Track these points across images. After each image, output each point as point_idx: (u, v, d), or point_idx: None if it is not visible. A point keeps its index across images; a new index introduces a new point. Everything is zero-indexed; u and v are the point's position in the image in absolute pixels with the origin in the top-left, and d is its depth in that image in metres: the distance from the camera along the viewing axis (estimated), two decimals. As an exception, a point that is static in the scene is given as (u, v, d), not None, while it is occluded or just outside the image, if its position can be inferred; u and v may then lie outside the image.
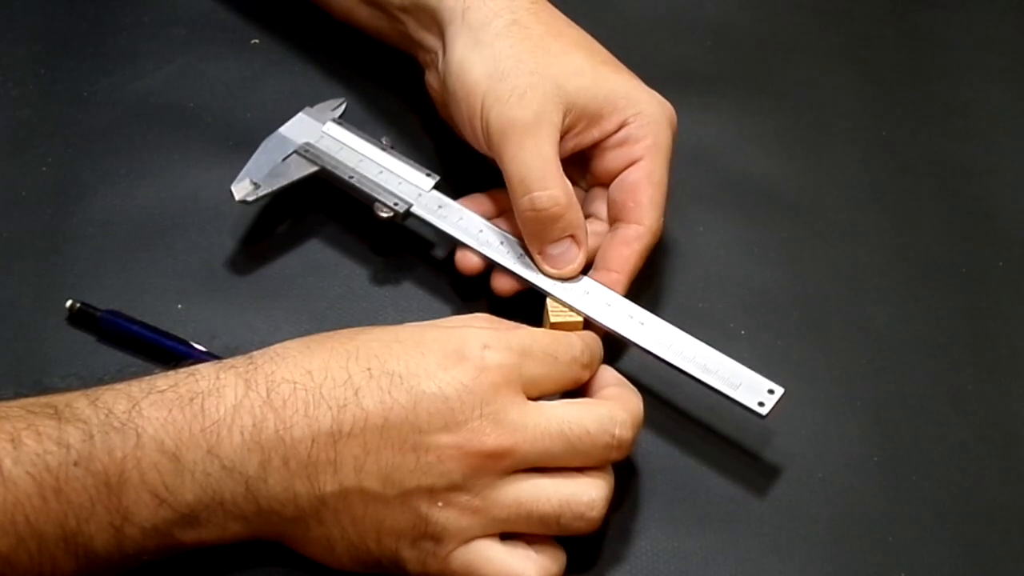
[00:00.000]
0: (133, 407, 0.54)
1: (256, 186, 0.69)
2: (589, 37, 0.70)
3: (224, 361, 0.58)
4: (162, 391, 0.55)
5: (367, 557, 0.58)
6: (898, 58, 0.83)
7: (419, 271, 0.70)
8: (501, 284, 0.67)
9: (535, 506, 0.57)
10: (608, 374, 0.63)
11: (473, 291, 0.69)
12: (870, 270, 0.73)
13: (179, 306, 0.69)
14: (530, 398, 0.58)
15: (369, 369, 0.56)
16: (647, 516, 0.63)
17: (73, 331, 0.67)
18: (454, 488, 0.56)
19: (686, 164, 0.73)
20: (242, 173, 0.69)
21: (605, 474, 0.59)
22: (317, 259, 0.71)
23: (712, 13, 0.84)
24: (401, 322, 0.68)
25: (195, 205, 0.72)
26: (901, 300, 0.72)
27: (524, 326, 0.62)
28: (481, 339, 0.58)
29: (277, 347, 0.58)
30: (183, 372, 0.57)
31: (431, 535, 0.57)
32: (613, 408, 0.59)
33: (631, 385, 0.62)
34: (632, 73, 0.70)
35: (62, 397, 0.55)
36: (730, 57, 0.82)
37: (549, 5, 0.71)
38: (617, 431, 0.59)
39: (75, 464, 0.53)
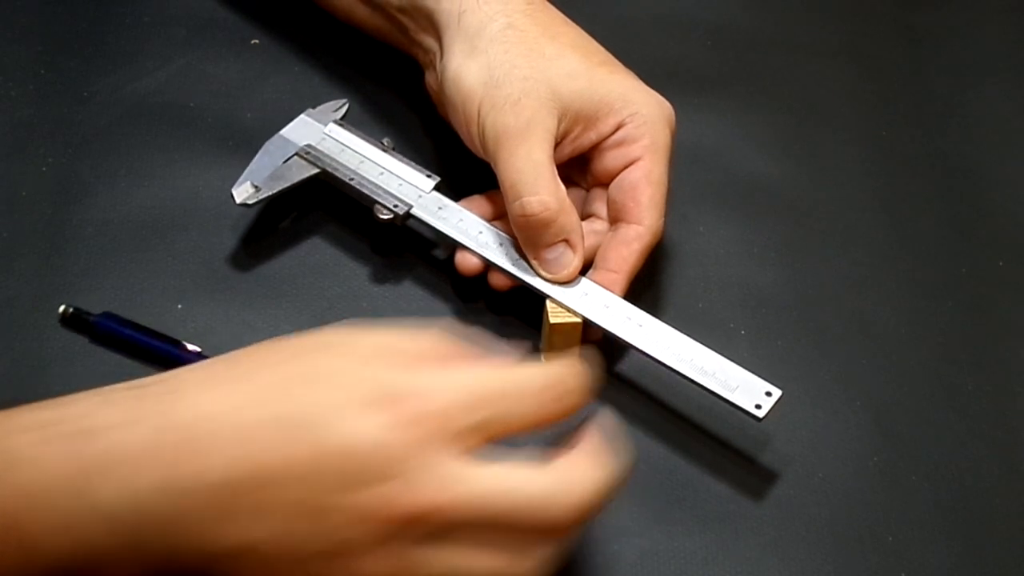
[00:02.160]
0: (41, 438, 0.50)
1: (257, 189, 0.69)
2: (586, 36, 0.70)
3: (141, 387, 0.52)
4: (73, 421, 0.50)
5: None
6: (898, 58, 0.83)
7: (419, 271, 0.70)
8: (497, 280, 0.67)
9: None
10: (589, 431, 0.54)
11: (473, 292, 0.69)
12: (870, 270, 0.73)
13: (179, 306, 0.69)
14: (478, 445, 0.50)
15: (275, 416, 0.49)
16: (647, 516, 0.63)
17: (73, 331, 0.67)
18: (355, 555, 0.49)
19: (686, 164, 0.73)
20: (243, 176, 0.69)
21: (544, 551, 0.51)
22: (317, 259, 0.71)
23: (712, 13, 0.84)
24: (400, 322, 0.68)
25: (195, 205, 0.72)
26: (901, 300, 0.72)
27: (489, 347, 0.54)
28: (416, 382, 0.50)
29: (184, 374, 0.52)
30: (98, 398, 0.51)
31: None
32: (572, 482, 0.51)
33: (612, 449, 0.53)
34: (630, 72, 0.70)
35: None
36: (730, 57, 0.82)
37: (546, 4, 0.71)
38: (564, 514, 0.50)
39: None
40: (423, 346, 0.52)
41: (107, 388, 0.52)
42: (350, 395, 0.50)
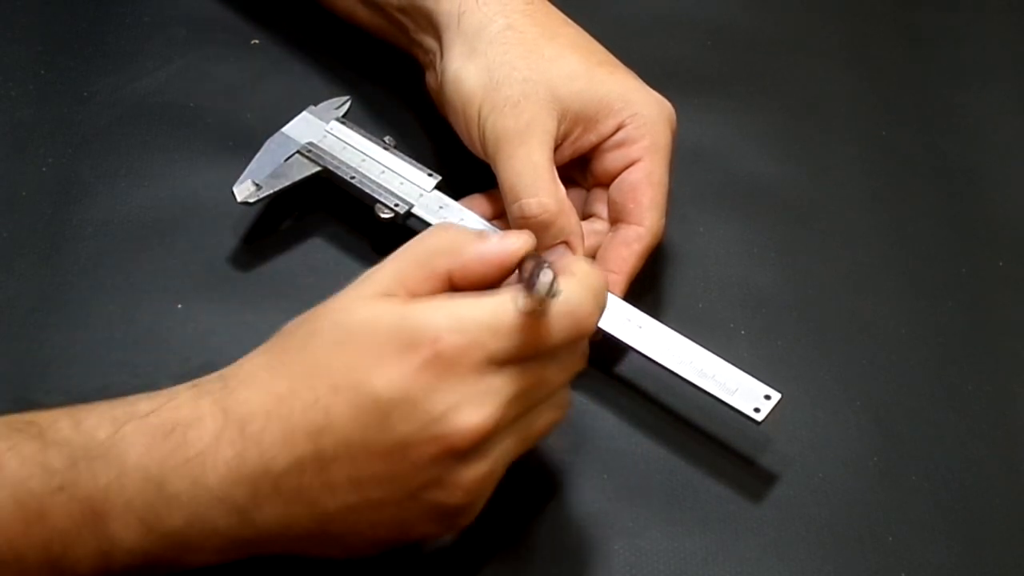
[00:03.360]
0: (116, 432, 0.53)
1: (258, 187, 0.69)
2: (586, 36, 0.70)
3: (201, 385, 0.56)
4: (144, 416, 0.54)
5: (393, 543, 0.57)
6: (898, 58, 0.83)
7: (419, 271, 0.70)
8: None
9: (535, 437, 0.58)
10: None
11: (473, 291, 0.69)
12: (870, 270, 0.73)
13: (179, 306, 0.69)
14: (501, 366, 0.55)
15: (333, 385, 0.54)
16: (647, 516, 0.63)
17: (73, 331, 0.67)
18: (457, 470, 0.55)
19: (686, 164, 0.73)
20: (244, 174, 0.69)
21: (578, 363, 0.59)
22: (317, 259, 0.71)
23: (712, 13, 0.84)
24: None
25: (195, 205, 0.72)
26: (901, 300, 0.72)
27: (493, 254, 0.58)
28: (433, 327, 0.54)
29: (246, 366, 0.57)
30: (164, 396, 0.55)
31: (458, 510, 0.56)
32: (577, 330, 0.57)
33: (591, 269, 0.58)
34: (630, 72, 0.70)
35: (45, 416, 0.54)
36: (730, 57, 0.82)
37: (546, 4, 0.71)
38: (582, 357, 0.58)
39: (59, 489, 0.52)
40: (425, 272, 0.57)
41: (189, 387, 0.56)
42: (391, 354, 0.54)
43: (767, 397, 0.63)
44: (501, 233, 0.59)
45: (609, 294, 0.65)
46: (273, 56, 0.79)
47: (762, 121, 0.79)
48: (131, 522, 0.53)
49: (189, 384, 0.56)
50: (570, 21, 0.71)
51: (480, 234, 0.58)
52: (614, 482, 0.64)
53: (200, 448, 0.53)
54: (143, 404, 0.54)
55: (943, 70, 0.82)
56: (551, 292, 0.54)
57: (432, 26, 0.70)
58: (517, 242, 0.58)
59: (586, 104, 0.67)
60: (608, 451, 0.65)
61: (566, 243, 0.65)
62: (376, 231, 0.71)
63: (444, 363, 0.54)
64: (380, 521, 0.56)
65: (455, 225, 0.61)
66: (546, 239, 0.65)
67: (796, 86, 0.81)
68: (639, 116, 0.68)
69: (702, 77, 0.80)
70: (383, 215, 0.69)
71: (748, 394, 0.63)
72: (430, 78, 0.72)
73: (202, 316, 0.68)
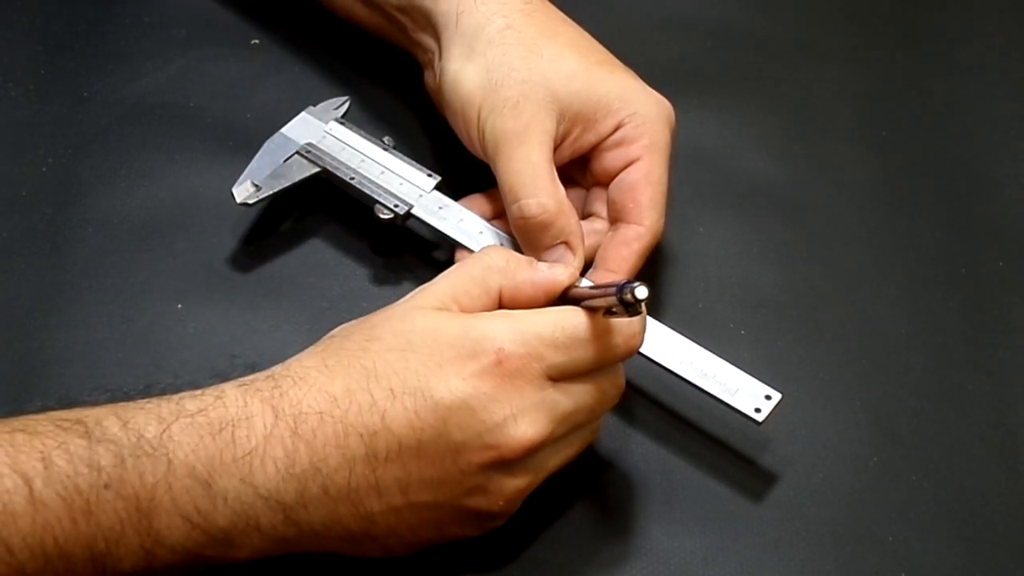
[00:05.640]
0: (163, 431, 0.54)
1: (257, 188, 0.69)
2: (585, 35, 0.70)
3: (249, 383, 0.56)
4: (191, 415, 0.54)
5: (427, 544, 0.59)
6: (898, 58, 0.83)
7: (419, 272, 0.70)
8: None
9: (572, 457, 0.60)
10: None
11: (473, 291, 0.69)
12: (870, 270, 0.73)
13: (179, 306, 0.69)
14: (557, 381, 0.58)
15: (391, 389, 0.56)
16: (647, 516, 0.63)
17: (72, 331, 0.67)
18: (502, 480, 0.57)
19: (686, 164, 0.73)
20: (243, 175, 0.69)
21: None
22: (317, 259, 0.71)
23: (712, 13, 0.84)
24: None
25: (195, 205, 0.72)
26: (901, 300, 0.72)
27: (544, 280, 0.60)
28: (496, 337, 0.56)
29: (296, 366, 0.57)
30: (210, 395, 0.56)
31: (494, 516, 0.58)
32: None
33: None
34: (629, 71, 0.70)
35: (91, 413, 0.54)
36: (730, 57, 0.82)
37: (545, 3, 0.71)
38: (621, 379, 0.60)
39: (106, 487, 0.52)
40: (481, 290, 0.59)
41: (237, 385, 0.56)
42: (452, 362, 0.56)
43: (768, 397, 0.63)
44: (549, 264, 0.62)
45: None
46: (273, 56, 0.79)
47: (762, 121, 0.79)
48: (176, 520, 0.53)
49: (235, 383, 0.57)
50: (569, 20, 0.71)
51: (530, 261, 0.61)
52: (614, 482, 0.64)
53: (249, 447, 0.54)
54: (190, 403, 0.55)
55: (943, 70, 0.82)
56: (641, 302, 0.55)
57: (431, 26, 0.70)
58: (564, 273, 0.60)
59: (585, 104, 0.67)
60: (608, 451, 0.65)
61: (566, 243, 0.65)
62: (375, 232, 0.71)
63: (505, 373, 0.56)
64: (421, 524, 0.57)
65: (507, 249, 0.63)
66: (546, 239, 0.65)
67: (796, 86, 0.81)
68: (638, 115, 0.68)
69: (702, 77, 0.80)
70: (382, 216, 0.68)
71: (749, 394, 0.63)
72: (429, 77, 0.72)
73: (202, 316, 0.68)
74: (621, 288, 0.55)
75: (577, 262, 0.66)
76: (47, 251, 0.70)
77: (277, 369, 0.57)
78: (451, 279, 0.59)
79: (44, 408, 0.56)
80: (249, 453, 0.54)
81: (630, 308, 0.55)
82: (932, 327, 0.71)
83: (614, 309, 0.56)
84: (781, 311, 0.71)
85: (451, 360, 0.56)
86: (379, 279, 0.70)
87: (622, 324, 0.58)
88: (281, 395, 0.56)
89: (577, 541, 0.61)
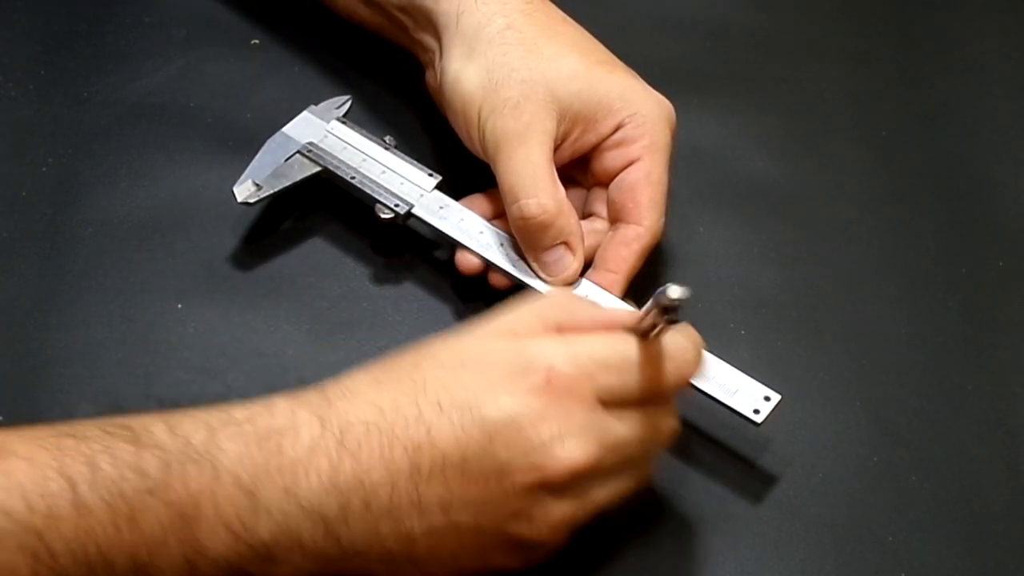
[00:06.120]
0: (210, 438, 0.53)
1: (258, 187, 0.69)
2: (586, 35, 0.70)
3: (298, 396, 0.56)
4: (239, 424, 0.54)
5: (466, 572, 0.57)
6: (898, 58, 0.83)
7: (420, 271, 0.70)
8: (497, 280, 0.67)
9: (621, 494, 0.58)
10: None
11: (473, 292, 0.69)
12: (870, 270, 0.73)
13: (179, 306, 0.69)
14: (608, 406, 0.56)
15: (439, 403, 0.54)
16: (647, 516, 0.63)
17: (72, 331, 0.67)
18: (547, 504, 0.55)
19: (686, 164, 0.73)
20: (244, 174, 0.69)
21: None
22: (318, 259, 0.71)
23: (712, 13, 0.84)
24: (400, 322, 0.68)
25: (195, 205, 0.72)
26: (901, 300, 0.72)
27: (605, 317, 0.59)
28: (547, 356, 0.55)
29: (347, 381, 0.56)
30: (259, 405, 0.55)
31: (537, 546, 0.56)
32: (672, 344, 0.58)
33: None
34: (629, 71, 0.70)
35: (139, 421, 0.54)
36: (730, 57, 0.82)
37: (545, 3, 0.71)
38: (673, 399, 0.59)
39: (150, 493, 0.51)
40: (538, 320, 0.58)
41: (286, 397, 0.55)
42: (502, 379, 0.55)
43: (767, 398, 0.63)
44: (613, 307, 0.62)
45: (609, 294, 0.66)
46: (273, 56, 0.79)
47: (762, 121, 0.79)
48: (219, 530, 0.52)
49: (286, 395, 0.56)
50: (570, 20, 0.71)
51: (593, 303, 0.62)
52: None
53: (293, 457, 0.53)
54: (238, 412, 0.54)
55: (943, 70, 0.82)
56: (679, 302, 0.54)
57: (432, 25, 0.70)
58: (627, 315, 0.59)
59: (585, 104, 0.67)
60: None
61: (566, 243, 0.65)
62: (376, 231, 0.71)
63: (555, 392, 0.55)
64: (462, 548, 0.55)
65: (572, 292, 0.64)
66: (545, 240, 0.65)
67: (796, 86, 0.81)
68: (638, 115, 0.68)
69: (702, 77, 0.80)
70: (383, 215, 0.69)
71: (748, 395, 0.63)
72: (430, 77, 0.72)
73: (202, 316, 0.68)
74: (657, 295, 0.54)
75: (576, 263, 0.66)
76: (47, 251, 0.70)
77: (328, 383, 0.56)
78: (512, 311, 0.58)
79: (45, 407, 0.56)
80: (293, 463, 0.53)
81: (669, 313, 0.54)
82: (932, 327, 0.71)
83: (658, 324, 0.55)
84: (781, 311, 0.71)
85: (501, 378, 0.55)
86: (380, 279, 0.70)
87: (675, 349, 0.57)
88: (329, 406, 0.55)
89: (577, 541, 0.61)
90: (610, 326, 0.58)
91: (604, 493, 0.57)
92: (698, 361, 0.59)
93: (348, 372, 0.57)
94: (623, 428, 0.56)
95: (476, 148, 0.68)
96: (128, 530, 0.51)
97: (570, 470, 0.54)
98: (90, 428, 0.53)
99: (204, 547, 0.52)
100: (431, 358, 0.57)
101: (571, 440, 0.54)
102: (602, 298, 0.66)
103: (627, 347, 0.57)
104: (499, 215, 0.69)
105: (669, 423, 0.59)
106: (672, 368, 0.57)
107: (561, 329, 0.57)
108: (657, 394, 0.57)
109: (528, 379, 0.55)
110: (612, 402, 0.56)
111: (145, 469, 0.51)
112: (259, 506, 0.52)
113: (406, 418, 0.54)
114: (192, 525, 0.52)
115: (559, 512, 0.55)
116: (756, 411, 0.62)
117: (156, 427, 0.53)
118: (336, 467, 0.53)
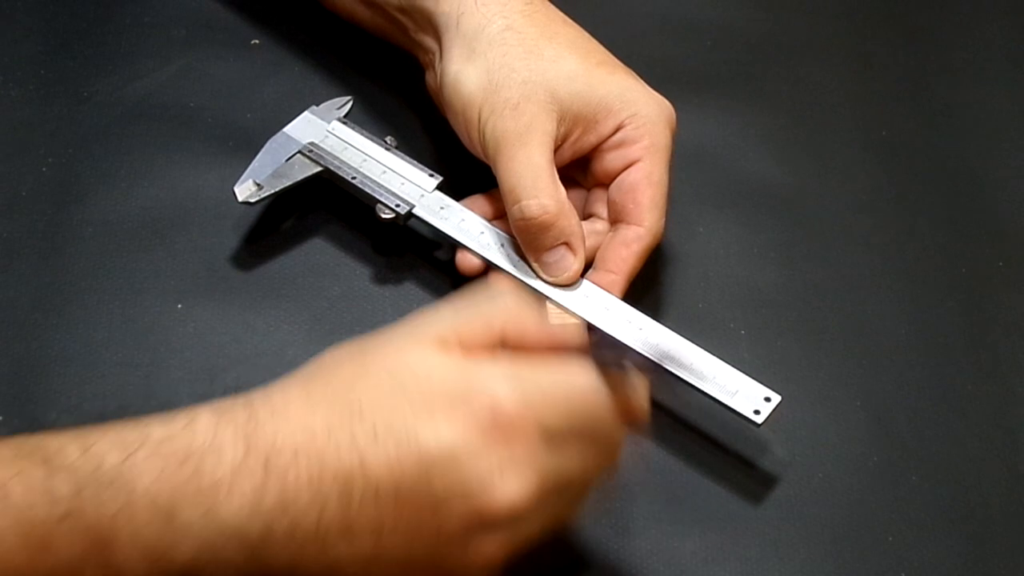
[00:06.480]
0: (126, 459, 0.50)
1: (259, 187, 0.69)
2: (586, 35, 0.70)
3: (224, 411, 0.52)
4: (157, 443, 0.51)
5: None
6: (898, 58, 0.83)
7: (421, 272, 0.70)
8: (497, 280, 0.67)
9: (556, 527, 0.56)
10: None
11: (473, 292, 0.69)
12: (870, 270, 0.73)
13: (179, 306, 0.69)
14: (551, 442, 0.53)
15: (374, 430, 0.51)
16: (647, 517, 0.63)
17: (72, 331, 0.67)
18: (481, 540, 0.53)
19: (686, 165, 0.73)
20: (245, 174, 0.69)
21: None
22: (318, 259, 0.71)
23: (712, 13, 0.84)
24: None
25: (195, 205, 0.72)
26: (901, 300, 0.72)
27: (555, 336, 0.56)
28: (492, 387, 0.52)
29: (278, 396, 0.53)
30: (181, 420, 0.52)
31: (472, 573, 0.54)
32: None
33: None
34: (630, 72, 0.70)
35: (54, 440, 0.51)
36: (730, 57, 0.82)
37: (546, 4, 0.71)
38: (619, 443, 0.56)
39: (65, 517, 0.49)
40: (486, 330, 0.55)
41: (210, 411, 0.52)
42: (442, 407, 0.52)
43: (767, 399, 0.63)
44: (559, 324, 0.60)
45: (609, 295, 0.66)
46: (273, 56, 0.79)
47: (762, 121, 0.79)
48: (137, 554, 0.50)
49: (211, 408, 0.53)
50: (570, 21, 0.71)
51: (543, 315, 0.58)
52: (614, 484, 0.64)
53: (216, 478, 0.50)
54: (157, 429, 0.52)
55: (942, 70, 0.82)
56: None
57: (432, 27, 0.70)
58: (575, 334, 0.57)
59: (585, 105, 0.67)
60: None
61: (567, 244, 0.65)
62: (377, 231, 0.71)
63: (497, 427, 0.52)
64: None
65: (517, 290, 0.58)
66: (547, 240, 0.65)
67: (796, 86, 0.81)
68: (638, 116, 0.68)
69: (702, 77, 0.80)
70: (384, 215, 0.69)
71: (748, 396, 0.63)
72: (430, 78, 0.72)
73: (202, 316, 0.68)
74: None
75: (577, 264, 0.66)
76: (47, 251, 0.70)
77: (257, 396, 0.53)
78: (456, 313, 0.55)
79: (44, 407, 0.56)
80: (215, 484, 0.50)
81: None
82: (932, 327, 0.71)
83: (623, 363, 0.54)
84: (781, 311, 0.71)
85: (442, 405, 0.52)
86: (380, 279, 0.70)
87: (629, 390, 0.55)
88: (256, 426, 0.52)
89: (577, 541, 0.61)
90: (560, 345, 0.56)
91: (541, 526, 0.54)
92: (646, 407, 0.56)
93: (280, 380, 0.54)
94: (565, 464, 0.53)
95: (476, 149, 0.68)
96: (43, 557, 0.49)
97: (508, 509, 0.52)
98: (4, 449, 0.51)
99: (123, 571, 0.50)
100: (366, 379, 0.53)
101: (510, 477, 0.52)
102: (604, 300, 0.66)
103: (576, 382, 0.54)
104: (500, 216, 0.69)
105: (613, 456, 0.56)
106: (624, 410, 0.55)
107: (508, 343, 0.55)
108: (603, 433, 0.55)
109: (470, 409, 0.52)
110: (556, 437, 0.53)
111: (58, 493, 0.49)
112: (177, 529, 0.50)
113: (338, 445, 0.51)
114: (107, 551, 0.49)
115: (493, 546, 0.53)
116: (756, 412, 0.62)
117: (70, 448, 0.51)
118: (260, 490, 0.51)
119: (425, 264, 0.71)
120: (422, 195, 0.69)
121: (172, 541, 0.50)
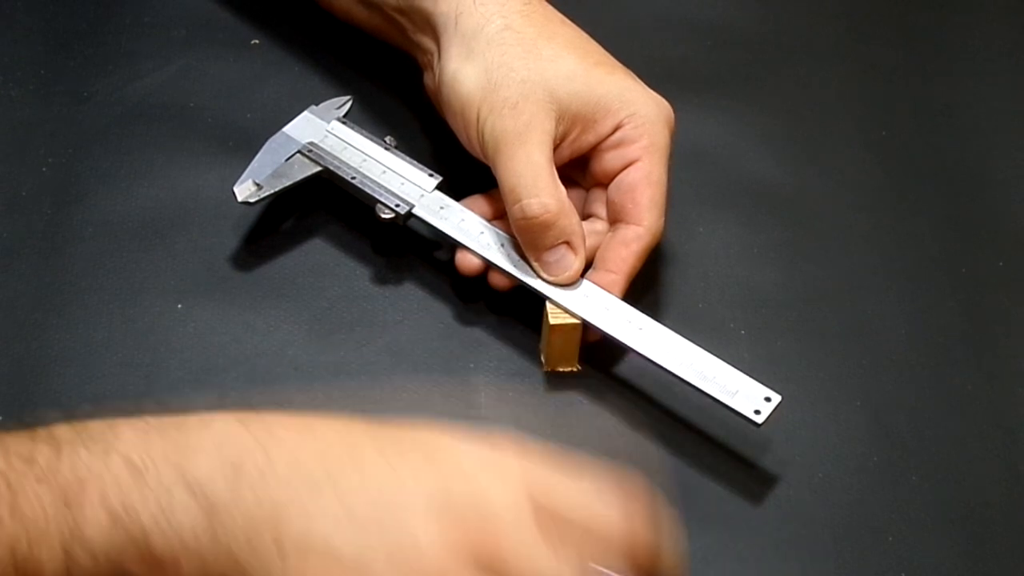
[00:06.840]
0: (110, 427, 0.50)
1: (259, 187, 0.69)
2: (584, 36, 0.70)
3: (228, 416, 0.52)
4: (145, 419, 0.51)
5: None
6: (898, 58, 0.83)
7: (421, 271, 0.70)
8: (498, 280, 0.67)
9: None
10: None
11: (473, 292, 0.69)
12: (870, 270, 0.73)
13: (179, 306, 0.69)
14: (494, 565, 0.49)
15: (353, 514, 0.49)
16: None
17: (72, 331, 0.67)
18: None
19: (686, 164, 0.73)
20: (245, 174, 0.69)
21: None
22: (318, 259, 0.71)
23: (712, 13, 0.84)
24: (400, 322, 0.68)
25: (195, 205, 0.72)
26: (901, 300, 0.72)
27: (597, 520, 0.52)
28: (423, 508, 0.49)
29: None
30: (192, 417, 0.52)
31: None
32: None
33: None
34: (628, 72, 0.70)
35: (45, 427, 0.51)
36: (730, 57, 0.82)
37: (544, 4, 0.71)
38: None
39: (37, 480, 0.49)
40: (516, 500, 0.51)
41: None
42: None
43: (767, 399, 0.63)
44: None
45: (609, 295, 0.66)
46: (273, 56, 0.79)
47: (762, 121, 0.79)
48: (100, 514, 0.49)
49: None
50: (568, 21, 0.71)
51: (581, 478, 0.53)
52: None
53: (195, 441, 0.50)
54: (151, 417, 0.51)
55: (942, 70, 0.82)
56: None
57: (430, 27, 0.70)
58: (618, 523, 0.52)
59: (584, 104, 0.67)
60: (608, 451, 0.65)
61: (567, 243, 0.65)
62: (377, 231, 0.71)
63: (434, 564, 0.48)
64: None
65: (563, 462, 0.53)
66: (547, 240, 0.65)
67: (796, 86, 0.81)
68: (637, 116, 0.68)
69: (702, 77, 0.80)
70: (384, 215, 0.69)
71: (748, 396, 0.63)
72: (428, 79, 0.72)
73: (202, 316, 0.68)
74: None
75: (578, 263, 0.66)
76: (47, 251, 0.70)
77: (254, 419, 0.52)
78: (492, 468, 0.51)
79: (44, 407, 0.55)
80: (195, 445, 0.50)
81: None
82: (932, 327, 0.71)
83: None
84: (781, 311, 0.71)
85: (376, 534, 0.49)
86: (380, 279, 0.70)
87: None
88: (258, 418, 0.51)
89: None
90: (600, 535, 0.51)
91: None
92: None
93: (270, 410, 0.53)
94: None
95: (475, 149, 0.68)
96: (10, 518, 0.48)
97: None
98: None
99: (83, 534, 0.49)
100: (432, 470, 0.51)
101: None
102: (604, 300, 0.66)
103: None
104: (499, 216, 0.69)
105: None
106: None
107: (542, 514, 0.50)
108: None
109: (401, 538, 0.49)
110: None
111: (35, 458, 0.49)
112: (145, 486, 0.49)
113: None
114: (74, 509, 0.49)
115: None
116: (757, 412, 0.62)
117: (59, 427, 0.51)
118: (240, 461, 0.50)
119: (425, 264, 0.71)
120: (422, 195, 0.69)
121: (139, 499, 0.49)
